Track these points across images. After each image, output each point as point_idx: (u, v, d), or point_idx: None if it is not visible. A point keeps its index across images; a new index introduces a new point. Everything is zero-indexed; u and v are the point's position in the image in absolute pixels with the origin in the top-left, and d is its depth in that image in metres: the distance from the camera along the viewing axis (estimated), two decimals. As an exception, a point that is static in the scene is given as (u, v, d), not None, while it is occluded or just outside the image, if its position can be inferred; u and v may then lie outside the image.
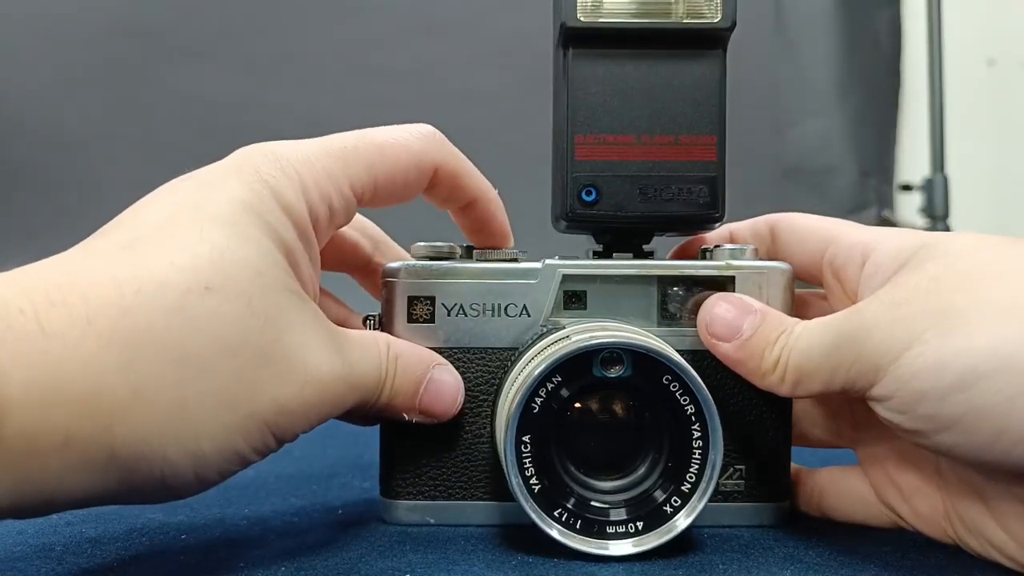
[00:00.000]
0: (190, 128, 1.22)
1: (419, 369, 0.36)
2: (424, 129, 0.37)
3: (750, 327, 0.36)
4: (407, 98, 1.20)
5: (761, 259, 0.39)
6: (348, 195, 0.35)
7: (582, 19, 0.37)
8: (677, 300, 0.39)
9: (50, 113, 1.23)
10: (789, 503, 0.40)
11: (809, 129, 1.31)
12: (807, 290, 0.42)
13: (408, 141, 0.36)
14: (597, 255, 0.41)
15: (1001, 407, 0.29)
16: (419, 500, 0.39)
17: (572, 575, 0.33)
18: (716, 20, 0.37)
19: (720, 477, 0.38)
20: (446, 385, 0.37)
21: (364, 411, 0.35)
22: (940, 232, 0.36)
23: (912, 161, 1.38)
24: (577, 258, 0.40)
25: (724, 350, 0.36)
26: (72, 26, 1.23)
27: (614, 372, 0.35)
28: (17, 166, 1.21)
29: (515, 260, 0.39)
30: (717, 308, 0.37)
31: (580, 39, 0.38)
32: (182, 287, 0.28)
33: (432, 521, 0.39)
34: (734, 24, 0.37)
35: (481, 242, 0.41)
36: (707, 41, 0.38)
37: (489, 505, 0.39)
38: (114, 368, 0.27)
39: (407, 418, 0.37)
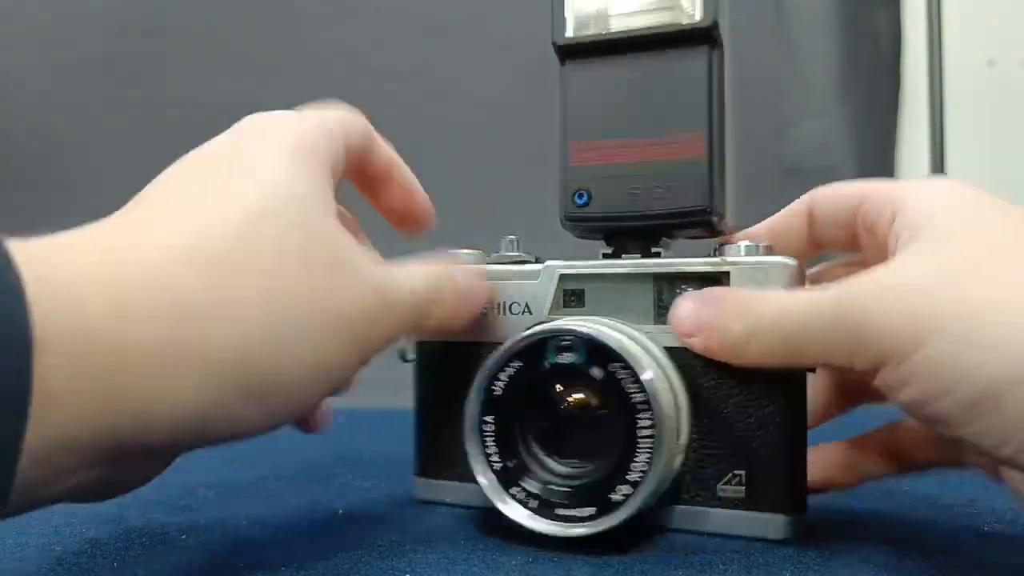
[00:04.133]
0: (190, 128, 1.20)
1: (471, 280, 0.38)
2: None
3: (708, 316, 0.36)
4: (407, 98, 1.20)
5: (777, 254, 0.38)
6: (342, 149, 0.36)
7: (568, 36, 0.40)
8: (673, 297, 0.39)
9: (50, 112, 1.23)
10: (802, 517, 0.38)
11: (809, 129, 1.31)
12: (833, 263, 0.42)
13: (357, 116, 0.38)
14: (607, 257, 0.42)
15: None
16: (444, 480, 0.43)
17: (573, 575, 0.33)
18: (697, 20, 0.38)
19: (719, 482, 0.38)
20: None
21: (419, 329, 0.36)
22: (964, 191, 0.35)
23: (912, 161, 1.37)
24: (576, 258, 0.41)
25: (696, 344, 0.36)
26: (72, 26, 1.23)
27: (566, 358, 0.36)
28: (16, 165, 1.21)
29: (521, 262, 0.41)
30: (680, 307, 0.37)
31: (570, 53, 0.40)
32: (241, 216, 0.29)
33: (449, 500, 0.43)
34: (716, 22, 0.38)
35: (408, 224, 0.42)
36: (691, 40, 0.39)
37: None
38: (194, 285, 0.27)
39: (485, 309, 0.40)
